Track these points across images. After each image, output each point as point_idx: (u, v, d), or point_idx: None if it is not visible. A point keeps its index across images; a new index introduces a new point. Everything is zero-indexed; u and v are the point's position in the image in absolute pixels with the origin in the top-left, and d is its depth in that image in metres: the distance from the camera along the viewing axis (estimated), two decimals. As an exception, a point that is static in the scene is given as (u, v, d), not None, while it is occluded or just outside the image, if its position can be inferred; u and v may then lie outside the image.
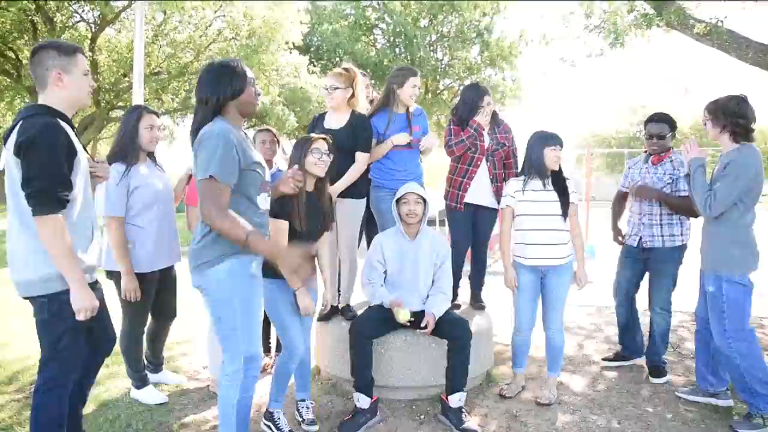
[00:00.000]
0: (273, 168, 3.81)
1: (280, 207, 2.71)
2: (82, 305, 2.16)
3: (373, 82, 4.34)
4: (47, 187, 2.07)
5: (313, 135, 2.88)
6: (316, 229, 2.90)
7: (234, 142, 2.20)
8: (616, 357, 3.98)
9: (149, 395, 3.36)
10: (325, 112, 3.59)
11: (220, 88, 2.26)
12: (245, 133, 2.38)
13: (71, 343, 2.23)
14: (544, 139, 3.28)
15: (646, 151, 3.86)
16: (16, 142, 2.08)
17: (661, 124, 3.71)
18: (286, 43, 16.54)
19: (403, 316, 3.03)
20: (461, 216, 3.84)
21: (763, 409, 2.91)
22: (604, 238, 4.03)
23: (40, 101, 2.22)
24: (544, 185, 3.30)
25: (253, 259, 2.35)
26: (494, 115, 3.85)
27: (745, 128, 2.99)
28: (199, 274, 2.30)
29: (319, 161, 2.81)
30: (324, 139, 2.88)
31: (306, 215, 2.79)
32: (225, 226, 2.15)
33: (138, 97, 8.90)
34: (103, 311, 2.41)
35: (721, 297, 3.00)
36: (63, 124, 2.18)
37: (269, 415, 2.93)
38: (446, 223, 4.15)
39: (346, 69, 3.48)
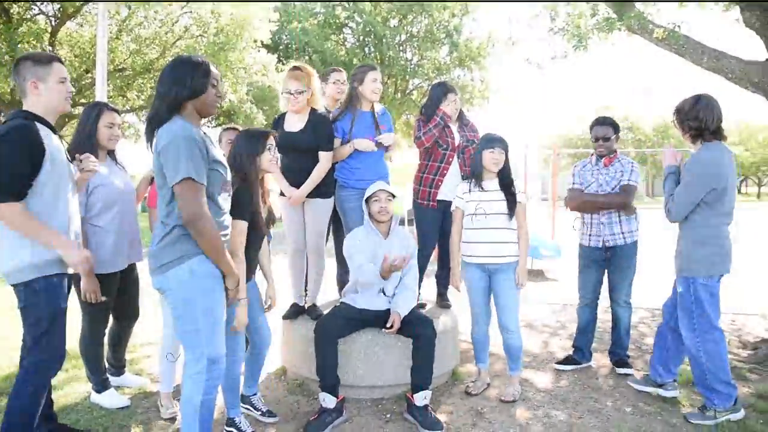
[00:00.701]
0: None
1: (239, 208, 2.64)
2: (77, 260, 2.40)
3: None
4: (8, 179, 2.26)
5: (268, 131, 2.83)
6: (268, 224, 2.93)
7: (197, 141, 2.18)
8: (568, 361, 4.04)
9: (110, 399, 3.29)
10: (285, 113, 3.56)
11: (179, 86, 2.23)
12: (204, 132, 2.35)
13: (50, 330, 2.39)
14: (484, 142, 3.37)
15: (593, 154, 3.98)
16: None
17: (606, 127, 3.84)
18: (255, 41, 16.34)
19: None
20: (431, 214, 3.87)
21: (718, 405, 3.03)
22: (569, 237, 4.11)
23: (24, 108, 2.45)
24: (482, 186, 3.37)
25: None
26: (461, 114, 3.92)
27: (699, 129, 3.05)
28: (161, 276, 2.26)
29: (272, 157, 2.79)
30: (274, 134, 2.85)
31: (263, 214, 2.81)
32: (210, 230, 2.17)
33: (101, 94, 8.68)
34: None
35: (689, 298, 3.07)
36: (40, 127, 2.37)
37: (230, 422, 2.90)
38: (414, 222, 4.18)
39: (299, 68, 3.41)
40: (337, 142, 3.58)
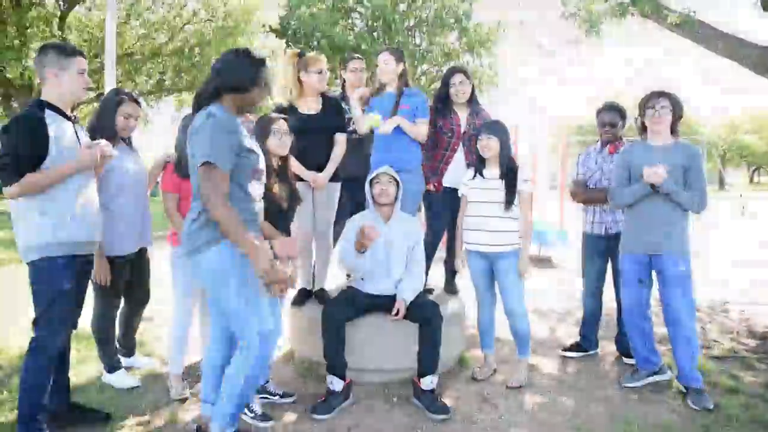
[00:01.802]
0: None
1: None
2: (87, 159, 2.53)
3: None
4: (10, 161, 2.39)
5: (273, 115, 2.91)
6: (293, 204, 3.00)
7: (230, 128, 2.22)
8: (575, 348, 4.04)
9: (121, 379, 3.33)
10: (290, 102, 3.54)
11: (226, 76, 2.28)
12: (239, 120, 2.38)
13: (50, 310, 2.49)
14: (480, 129, 3.39)
15: (597, 141, 3.94)
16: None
17: (613, 113, 3.81)
18: (263, 26, 16.28)
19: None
20: (439, 200, 3.85)
21: (700, 379, 3.20)
22: (577, 224, 4.10)
23: (42, 96, 2.55)
24: (483, 174, 3.37)
25: None
26: (473, 100, 3.86)
27: (678, 120, 3.22)
28: (193, 259, 2.29)
29: (280, 142, 2.88)
30: (284, 119, 2.93)
31: (285, 195, 2.89)
32: (223, 214, 2.15)
33: (110, 79, 8.66)
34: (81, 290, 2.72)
35: (689, 275, 3.16)
36: (50, 115, 2.48)
37: None
38: (422, 208, 4.18)
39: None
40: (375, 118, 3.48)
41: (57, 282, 2.50)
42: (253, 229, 2.38)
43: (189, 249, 2.29)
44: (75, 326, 2.76)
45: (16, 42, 13.97)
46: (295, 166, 3.47)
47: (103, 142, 2.68)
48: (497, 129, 3.34)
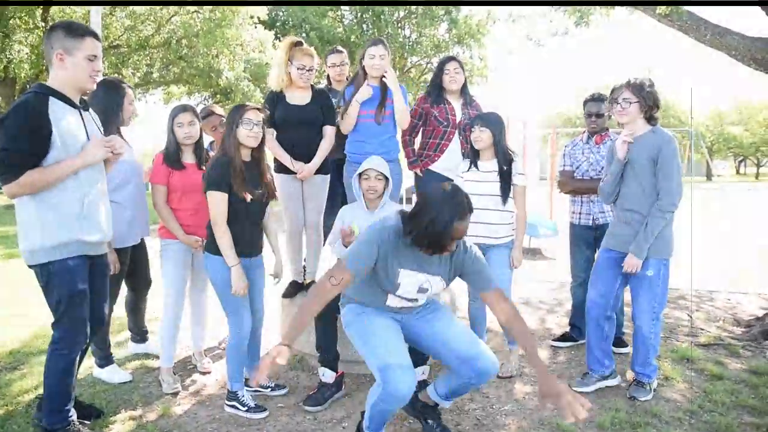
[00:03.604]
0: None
1: (218, 179, 2.73)
2: (98, 151, 2.38)
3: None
4: (8, 156, 2.22)
5: (246, 105, 2.85)
6: (263, 197, 2.94)
7: None
8: (565, 338, 4.07)
9: (112, 374, 3.33)
10: (281, 90, 3.52)
11: None
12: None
13: (69, 310, 2.41)
14: (474, 120, 3.39)
15: (584, 132, 3.96)
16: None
17: (599, 103, 3.83)
18: (251, 17, 16.13)
19: (353, 230, 3.09)
20: (427, 181, 3.82)
21: (652, 378, 3.14)
22: (567, 216, 4.12)
23: (48, 80, 2.37)
24: (478, 166, 3.37)
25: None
26: (465, 91, 3.87)
27: (654, 109, 3.08)
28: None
29: (251, 132, 2.79)
30: (257, 109, 2.86)
31: (249, 185, 2.82)
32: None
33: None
34: (99, 288, 2.62)
35: (658, 280, 3.05)
36: (54, 103, 2.28)
37: (232, 396, 2.94)
38: (412, 201, 4.18)
39: (306, 46, 3.49)
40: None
41: (70, 284, 2.38)
42: None
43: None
44: (102, 322, 2.73)
45: (-1, 34, 13.72)
46: (282, 156, 3.46)
47: (117, 138, 2.60)
48: (491, 121, 3.32)
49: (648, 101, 3.00)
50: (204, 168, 3.15)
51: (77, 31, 2.33)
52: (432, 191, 2.28)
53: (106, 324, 3.25)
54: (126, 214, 3.16)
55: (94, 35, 2.37)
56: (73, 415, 2.54)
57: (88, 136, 2.43)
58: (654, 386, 3.16)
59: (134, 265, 3.41)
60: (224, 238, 2.76)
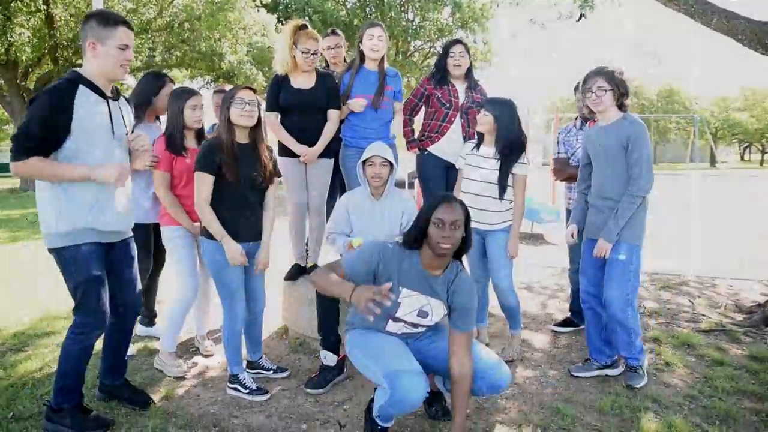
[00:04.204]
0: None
1: (206, 160, 2.74)
2: (111, 174, 2.31)
3: (347, 43, 4.28)
4: (19, 139, 2.23)
5: (238, 86, 2.83)
6: (258, 180, 2.88)
7: None
8: (566, 323, 4.08)
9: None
10: (286, 73, 3.51)
11: None
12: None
13: (85, 296, 2.42)
14: (480, 103, 3.39)
15: (577, 118, 3.94)
16: None
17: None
18: (254, 0, 16.01)
19: (356, 242, 3.06)
20: (433, 166, 3.83)
21: (641, 360, 3.10)
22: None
23: (81, 69, 2.39)
24: (480, 152, 3.36)
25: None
26: (470, 74, 3.84)
27: (625, 97, 3.07)
28: None
29: (243, 112, 2.76)
30: (249, 88, 2.83)
31: (241, 166, 2.79)
32: None
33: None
34: (125, 274, 2.64)
35: (630, 264, 3.01)
36: (84, 91, 2.30)
37: (234, 379, 2.96)
38: (414, 185, 4.17)
39: (310, 29, 3.47)
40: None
41: (85, 270, 2.39)
42: None
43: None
44: (134, 307, 2.75)
45: (0, 17, 13.64)
46: (286, 139, 3.46)
47: (143, 137, 2.61)
48: (494, 106, 3.29)
49: (621, 88, 2.99)
50: None
51: (110, 20, 2.34)
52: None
53: (140, 307, 3.14)
54: (150, 192, 3.28)
55: (127, 24, 2.39)
56: (81, 396, 2.57)
57: (113, 126, 2.44)
58: (645, 367, 3.13)
59: (154, 243, 3.46)
60: (208, 216, 2.76)
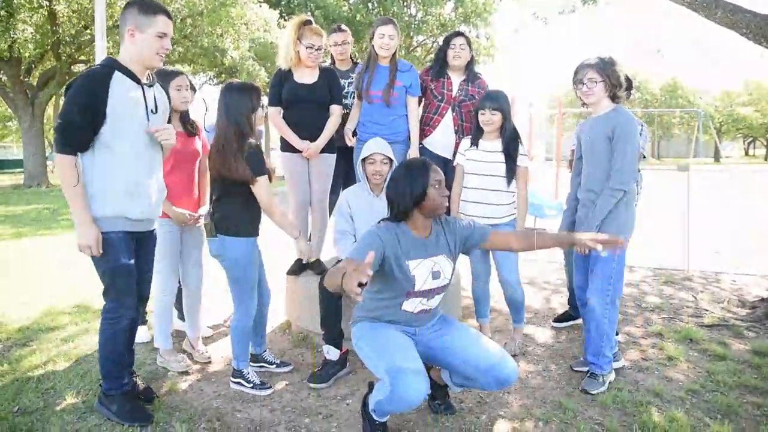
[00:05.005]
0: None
1: (263, 164, 2.76)
2: (79, 241, 2.35)
3: (353, 39, 4.27)
4: (62, 128, 2.28)
5: (257, 86, 2.86)
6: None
7: None
8: (565, 317, 4.07)
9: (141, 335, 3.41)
10: (289, 68, 3.51)
11: None
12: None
13: (114, 282, 2.47)
14: (481, 101, 3.35)
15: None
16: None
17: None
18: (256, -5, 15.99)
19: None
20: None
21: (605, 369, 2.99)
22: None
23: (118, 56, 2.42)
24: (482, 146, 3.35)
25: None
26: (470, 67, 3.82)
27: (618, 88, 2.98)
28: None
29: (263, 113, 2.88)
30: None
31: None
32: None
33: (101, 51, 8.53)
34: (143, 264, 2.66)
35: (612, 261, 2.93)
36: (119, 78, 2.34)
37: (238, 374, 2.97)
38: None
39: (315, 25, 3.48)
40: (356, 97, 3.67)
41: (113, 257, 2.43)
42: None
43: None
44: (145, 299, 2.79)
45: (3, 13, 13.65)
46: (288, 135, 3.47)
47: (169, 127, 2.58)
48: (501, 102, 3.28)
49: (612, 80, 2.91)
50: (195, 134, 3.21)
51: (150, 8, 2.37)
52: (393, 176, 2.40)
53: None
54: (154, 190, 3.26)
55: (167, 13, 2.42)
56: (129, 382, 2.64)
57: (147, 112, 2.46)
58: (610, 379, 3.01)
59: None
60: (285, 216, 2.90)
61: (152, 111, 2.49)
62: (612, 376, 3.04)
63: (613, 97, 2.97)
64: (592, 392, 2.90)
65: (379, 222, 2.41)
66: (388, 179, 2.56)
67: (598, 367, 2.99)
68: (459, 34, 3.79)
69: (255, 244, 2.92)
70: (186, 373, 3.17)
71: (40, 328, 3.90)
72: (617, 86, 2.94)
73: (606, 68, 2.91)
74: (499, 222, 3.35)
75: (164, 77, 3.07)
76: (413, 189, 2.30)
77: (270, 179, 2.89)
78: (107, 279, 2.47)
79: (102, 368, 2.58)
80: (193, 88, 3.53)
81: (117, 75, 2.34)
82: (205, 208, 3.29)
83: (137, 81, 2.42)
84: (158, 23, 2.38)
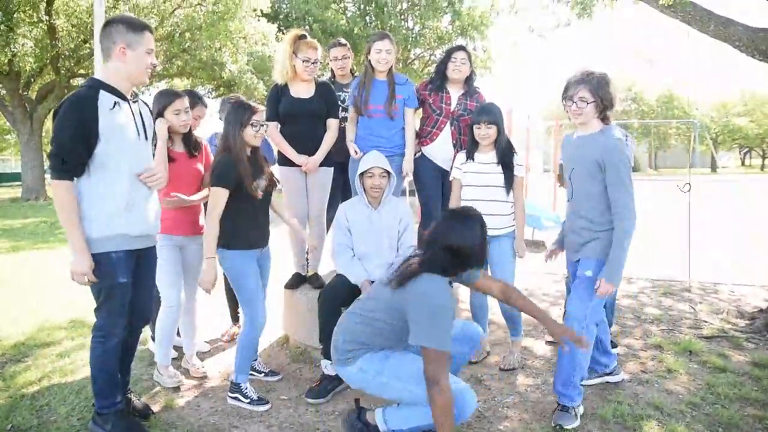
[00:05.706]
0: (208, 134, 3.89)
1: (223, 176, 2.78)
2: (72, 268, 2.33)
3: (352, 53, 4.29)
4: (56, 153, 2.26)
5: (253, 106, 2.88)
6: (266, 187, 2.99)
7: None
8: None
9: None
10: (285, 83, 3.53)
11: None
12: None
13: (107, 301, 2.44)
14: (475, 115, 3.38)
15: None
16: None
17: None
18: (254, 10, 16.10)
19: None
20: (427, 173, 3.84)
21: (575, 401, 2.77)
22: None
23: (100, 75, 2.41)
24: (478, 159, 3.37)
25: None
26: (469, 81, 3.84)
27: (608, 108, 2.80)
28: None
29: (257, 134, 2.89)
30: (261, 110, 2.93)
31: (255, 180, 2.88)
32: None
33: (99, 65, 8.60)
34: (144, 281, 2.63)
35: (594, 282, 2.75)
36: (106, 96, 2.31)
37: (236, 387, 2.95)
38: (416, 193, 4.17)
39: (310, 39, 3.50)
40: (351, 110, 3.66)
41: (110, 276, 2.40)
42: None
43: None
44: (147, 316, 2.76)
45: (3, 27, 13.73)
46: (286, 149, 3.48)
47: (154, 175, 2.54)
48: (495, 115, 3.32)
49: (605, 101, 2.71)
50: (196, 155, 3.20)
51: (138, 26, 2.38)
52: (440, 229, 2.45)
53: (151, 314, 3.09)
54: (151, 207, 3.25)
55: (151, 30, 2.44)
56: (122, 401, 2.59)
57: (137, 128, 2.46)
58: (581, 411, 2.81)
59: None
60: (213, 231, 2.80)
61: (141, 126, 2.49)
62: (581, 410, 2.82)
63: (603, 118, 2.79)
64: (567, 427, 2.68)
65: (450, 283, 2.42)
66: (450, 230, 2.44)
67: (569, 399, 2.76)
68: (461, 48, 3.80)
69: (249, 257, 2.92)
70: (179, 389, 3.15)
71: (36, 344, 3.87)
72: (609, 107, 2.75)
73: (599, 89, 2.70)
74: (500, 233, 3.35)
75: (161, 101, 3.04)
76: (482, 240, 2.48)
77: (270, 190, 2.97)
78: (102, 297, 2.44)
79: (94, 386, 2.54)
80: (204, 104, 3.52)
81: (103, 94, 2.32)
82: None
83: (124, 98, 2.41)
84: (147, 40, 2.39)
